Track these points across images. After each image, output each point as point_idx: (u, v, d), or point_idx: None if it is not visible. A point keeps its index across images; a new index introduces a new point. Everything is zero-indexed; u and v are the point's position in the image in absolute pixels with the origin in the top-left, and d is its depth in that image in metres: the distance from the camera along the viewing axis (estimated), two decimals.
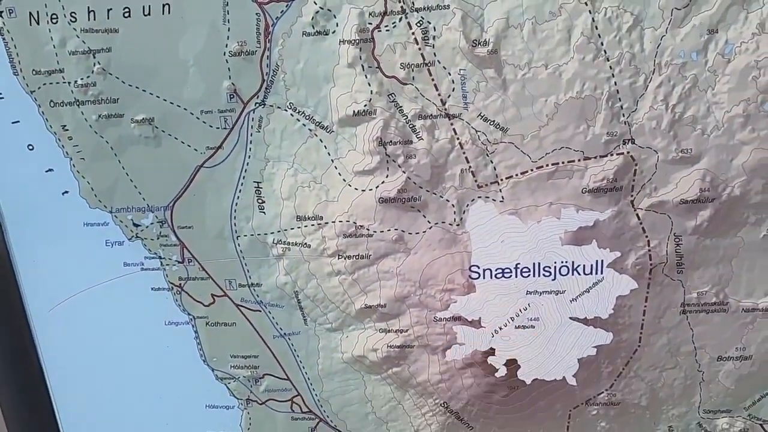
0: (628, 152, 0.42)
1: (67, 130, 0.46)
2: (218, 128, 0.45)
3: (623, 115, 0.41)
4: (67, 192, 0.48)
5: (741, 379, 0.47)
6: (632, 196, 0.43)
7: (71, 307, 0.52)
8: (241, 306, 0.50)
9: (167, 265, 0.49)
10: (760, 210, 0.42)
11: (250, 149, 0.45)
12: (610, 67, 0.40)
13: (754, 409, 0.48)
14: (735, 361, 0.46)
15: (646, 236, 0.44)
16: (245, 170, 0.46)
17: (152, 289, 0.50)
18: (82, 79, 0.45)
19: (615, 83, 0.40)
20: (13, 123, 0.47)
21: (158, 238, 0.49)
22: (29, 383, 0.56)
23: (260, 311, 0.50)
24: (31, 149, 0.47)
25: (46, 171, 0.48)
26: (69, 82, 0.45)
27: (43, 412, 0.57)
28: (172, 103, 0.44)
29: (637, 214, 0.43)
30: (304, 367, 0.51)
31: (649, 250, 0.44)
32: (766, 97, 0.40)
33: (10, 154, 0.48)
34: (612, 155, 0.42)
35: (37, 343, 0.54)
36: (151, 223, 0.48)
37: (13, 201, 0.49)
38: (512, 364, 0.48)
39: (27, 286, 0.52)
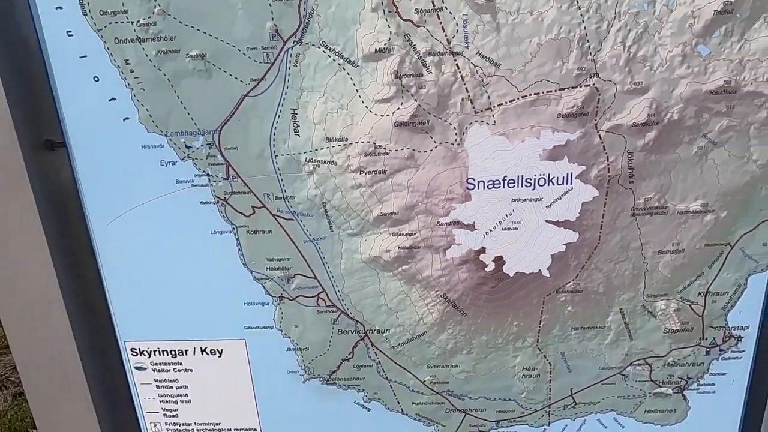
0: (593, 84, 0.53)
1: (129, 63, 0.54)
2: (261, 63, 0.54)
3: (590, 54, 0.52)
4: (127, 118, 0.57)
5: (675, 269, 0.60)
6: (596, 120, 0.54)
7: (129, 220, 0.61)
8: (277, 216, 0.60)
9: (214, 181, 0.59)
10: (693, 131, 0.54)
11: (288, 81, 0.54)
12: (581, 15, 0.51)
13: (685, 292, 0.61)
14: (671, 254, 0.59)
15: (606, 153, 0.55)
16: (283, 99, 0.55)
17: (200, 202, 0.60)
18: (143, 19, 0.53)
19: (584, 28, 0.51)
20: (81, 57, 0.55)
21: (207, 158, 0.58)
22: (89, 288, 0.65)
23: (293, 220, 0.60)
24: (96, 81, 0.55)
25: (109, 100, 0.56)
26: (132, 22, 0.53)
27: (102, 313, 0.66)
28: (222, 40, 0.53)
29: (599, 135, 0.55)
30: (329, 267, 0.62)
31: (608, 165, 0.56)
32: (699, 40, 0.51)
33: (77, 85, 0.56)
34: (581, 86, 0.53)
35: (97, 251, 0.63)
36: (201, 145, 0.57)
37: (80, 126, 0.57)
38: (499, 260, 0.60)
39: (89, 202, 0.60)
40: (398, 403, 0.68)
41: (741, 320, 0.62)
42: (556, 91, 0.53)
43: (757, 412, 0.67)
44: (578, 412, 0.68)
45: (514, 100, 0.54)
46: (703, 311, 0.62)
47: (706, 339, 0.63)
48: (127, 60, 0.54)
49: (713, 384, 0.65)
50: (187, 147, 0.58)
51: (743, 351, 0.64)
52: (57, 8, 0.53)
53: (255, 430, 0.71)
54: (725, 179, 0.56)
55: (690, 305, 0.62)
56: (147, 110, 0.56)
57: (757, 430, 0.68)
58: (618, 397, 0.67)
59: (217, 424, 0.71)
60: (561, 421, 0.68)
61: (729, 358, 0.64)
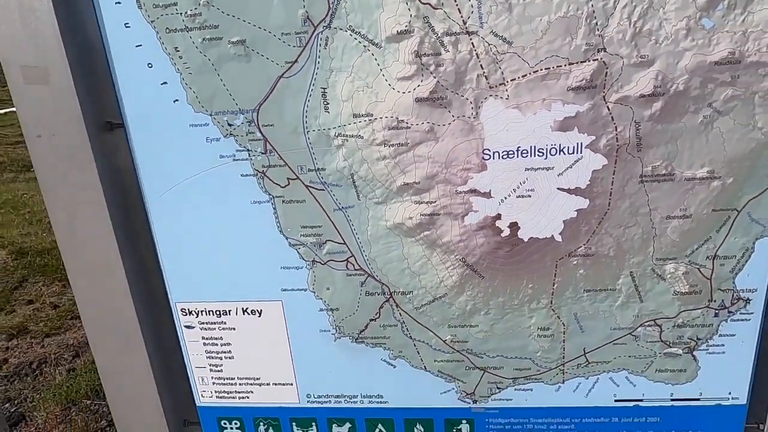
0: (601, 58, 0.56)
1: (178, 51, 0.61)
2: (294, 46, 0.59)
3: (597, 30, 0.55)
4: (177, 100, 0.64)
5: (683, 234, 0.63)
6: (604, 92, 0.58)
7: (179, 192, 0.68)
8: (310, 186, 0.66)
9: (253, 156, 0.65)
10: (698, 101, 0.57)
11: (318, 63, 0.60)
12: None
13: (693, 256, 0.64)
14: (679, 219, 0.62)
15: (614, 123, 0.59)
16: (314, 79, 0.61)
17: (241, 175, 0.66)
18: (191, 10, 0.59)
19: (592, 5, 0.55)
20: (136, 46, 0.62)
21: (246, 135, 0.64)
22: (145, 255, 0.72)
23: (324, 190, 0.66)
24: (150, 67, 0.62)
25: (161, 84, 0.63)
26: (180, 13, 0.59)
27: (156, 277, 0.74)
28: (259, 27, 0.59)
29: (608, 107, 0.58)
30: (356, 234, 0.67)
31: (616, 134, 0.59)
32: (703, 14, 0.54)
33: (134, 72, 0.63)
34: (589, 61, 0.57)
35: (151, 220, 0.70)
36: (242, 123, 0.64)
37: (135, 107, 0.64)
38: (514, 226, 0.64)
39: (144, 176, 0.68)
40: (421, 360, 0.74)
41: (749, 283, 0.65)
42: (565, 65, 0.57)
43: (766, 372, 0.70)
44: (591, 371, 0.72)
45: (526, 75, 0.58)
46: (711, 274, 0.65)
47: (715, 301, 0.66)
48: (177, 47, 0.61)
49: (722, 345, 0.68)
50: (229, 125, 0.64)
51: (752, 313, 0.66)
52: (116, 3, 0.60)
53: (291, 384, 0.78)
54: (731, 146, 0.59)
55: (698, 268, 0.65)
56: (194, 92, 0.63)
57: (767, 390, 0.71)
58: (629, 356, 0.70)
59: (257, 379, 0.78)
60: (575, 379, 0.73)
61: (738, 320, 0.67)
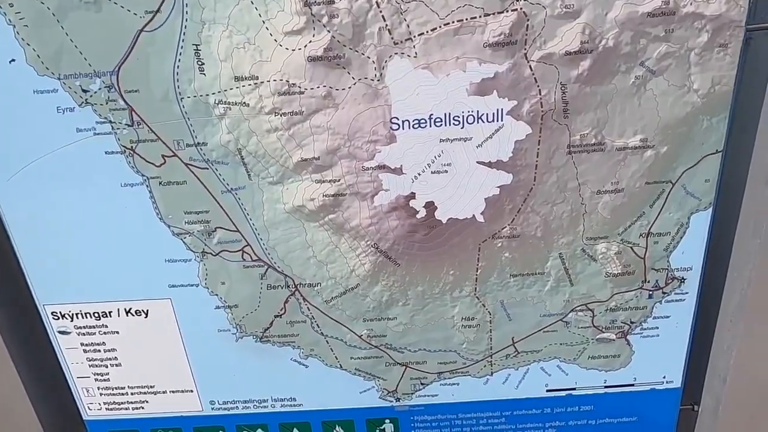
0: (521, 8, 0.48)
1: None
2: None
3: None
4: (14, 60, 0.51)
5: (615, 210, 0.57)
6: (525, 49, 0.50)
7: (30, 174, 0.56)
8: (190, 165, 0.55)
9: (118, 129, 0.54)
10: (629, 59, 0.50)
11: (186, 12, 0.49)
12: None
13: (626, 234, 0.59)
14: (610, 194, 0.56)
15: (538, 86, 0.51)
16: (184, 33, 0.50)
17: (106, 153, 0.55)
18: None
19: None
20: None
21: (107, 103, 0.53)
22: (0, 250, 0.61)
23: (208, 169, 0.55)
24: None
25: None
26: None
27: (16, 277, 0.62)
28: None
29: (530, 66, 0.50)
30: (251, 219, 0.58)
31: (540, 99, 0.52)
32: None
33: None
34: (507, 11, 0.48)
35: (1, 210, 0.58)
36: (99, 89, 0.52)
37: None
38: (430, 206, 0.57)
39: None
40: (336, 358, 0.66)
41: (684, 261, 0.60)
42: (480, 17, 0.49)
43: (701, 354, 0.66)
44: (521, 361, 0.66)
45: (435, 28, 0.49)
46: (645, 253, 0.60)
47: (649, 282, 0.61)
48: None
49: (657, 327, 0.64)
50: (84, 91, 0.52)
51: (686, 293, 0.62)
52: None
53: (191, 390, 0.69)
54: (665, 111, 0.52)
55: (631, 247, 0.59)
56: (34, 50, 0.51)
57: (702, 373, 0.68)
58: (560, 344, 0.65)
59: (152, 387, 0.68)
60: (504, 370, 0.67)
61: (672, 301, 0.62)
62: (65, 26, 0.50)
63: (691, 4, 0.48)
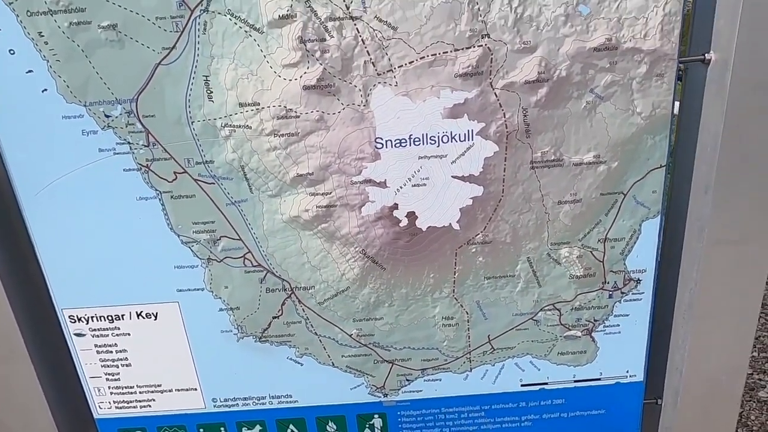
0: (485, 44, 0.56)
1: (42, 36, 0.56)
2: (171, 31, 0.56)
3: (480, 16, 0.55)
4: (46, 90, 0.59)
5: (575, 218, 0.64)
6: (491, 78, 0.58)
7: (56, 190, 0.63)
8: (199, 180, 0.62)
9: (135, 149, 0.61)
10: (581, 87, 0.58)
11: (198, 48, 0.57)
12: None
13: (586, 240, 0.66)
14: (570, 204, 0.64)
15: (503, 110, 0.59)
16: (195, 66, 0.57)
17: (124, 170, 0.62)
18: None
19: None
20: None
21: (126, 126, 0.60)
22: (24, 259, 0.67)
23: (214, 184, 0.63)
24: (12, 54, 0.57)
25: (27, 72, 0.58)
26: None
27: (38, 283, 0.68)
28: (131, 10, 0.55)
29: (495, 93, 0.58)
30: (252, 228, 0.65)
31: (505, 121, 0.59)
32: (579, 1, 0.55)
33: None
34: (474, 47, 0.56)
35: (27, 221, 0.65)
36: (120, 114, 0.59)
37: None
38: (411, 216, 0.64)
39: (16, 174, 0.62)
40: (328, 356, 0.72)
41: (639, 264, 0.67)
42: (451, 51, 0.57)
43: (660, 347, 0.73)
44: (497, 358, 0.73)
45: (413, 61, 0.57)
46: (604, 257, 0.67)
47: (608, 283, 0.68)
48: (41, 32, 0.56)
49: (618, 325, 0.71)
50: (106, 116, 0.60)
51: (643, 293, 0.69)
52: None
53: (195, 389, 0.75)
54: (613, 131, 0.60)
55: (591, 251, 0.67)
56: (64, 81, 0.58)
57: (663, 365, 0.74)
58: (532, 341, 0.72)
59: (158, 385, 0.74)
60: (482, 366, 0.73)
61: (630, 300, 0.69)
62: (92, 61, 0.57)
63: (630, 40, 0.56)
